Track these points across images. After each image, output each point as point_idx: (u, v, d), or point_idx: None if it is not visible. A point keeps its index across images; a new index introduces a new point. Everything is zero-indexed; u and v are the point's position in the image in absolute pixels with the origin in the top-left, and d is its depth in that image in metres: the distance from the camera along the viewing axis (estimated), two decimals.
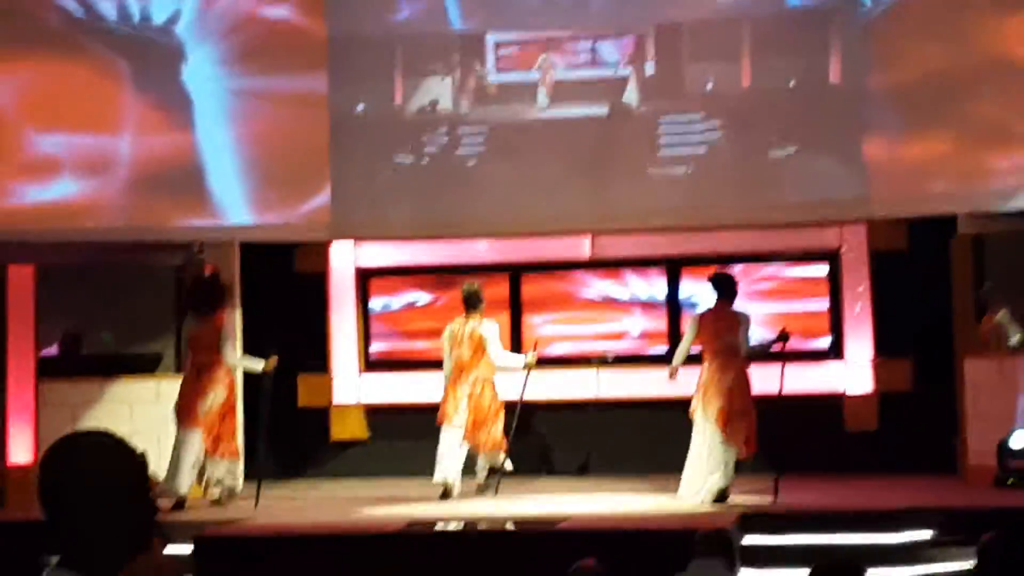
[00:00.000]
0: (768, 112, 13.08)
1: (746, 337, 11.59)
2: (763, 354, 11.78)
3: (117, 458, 3.26)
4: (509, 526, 10.33)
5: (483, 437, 12.44)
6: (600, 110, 13.42)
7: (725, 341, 11.61)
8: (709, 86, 13.34)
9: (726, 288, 11.82)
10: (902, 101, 12.62)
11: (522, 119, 13.52)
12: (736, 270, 13.82)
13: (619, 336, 14.31)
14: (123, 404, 13.10)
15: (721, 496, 11.37)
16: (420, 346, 14.49)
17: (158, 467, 12.75)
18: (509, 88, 13.60)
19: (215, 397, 12.22)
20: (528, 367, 12.52)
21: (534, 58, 13.62)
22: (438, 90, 13.60)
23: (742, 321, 11.62)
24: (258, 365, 12.31)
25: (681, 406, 13.49)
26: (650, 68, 13.48)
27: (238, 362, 12.40)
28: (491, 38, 13.70)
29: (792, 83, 13.10)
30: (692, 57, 13.39)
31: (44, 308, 12.93)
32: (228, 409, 12.33)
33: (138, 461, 3.29)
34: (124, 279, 13.53)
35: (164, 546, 4.26)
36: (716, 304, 11.81)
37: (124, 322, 13.55)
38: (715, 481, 11.38)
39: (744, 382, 11.56)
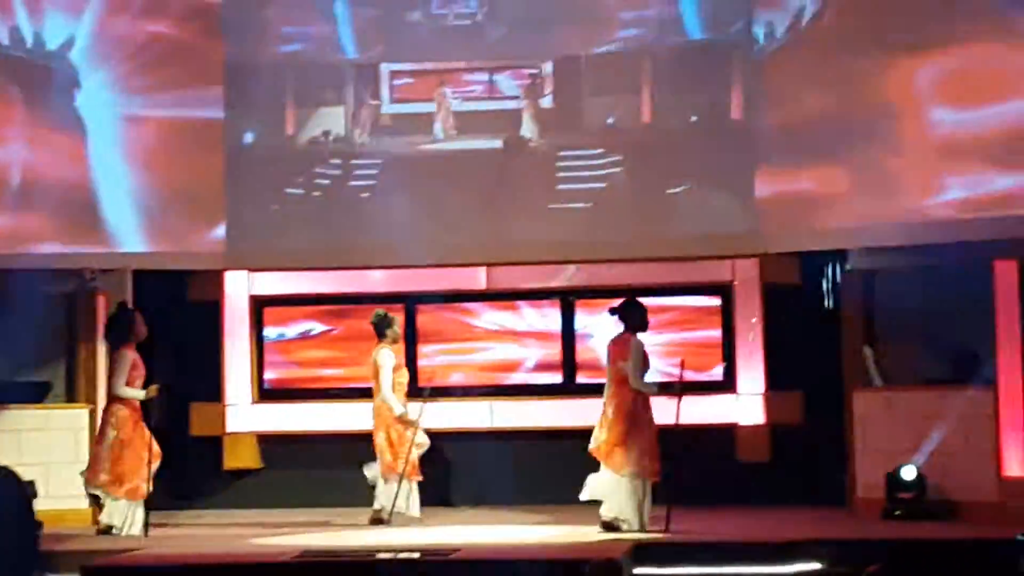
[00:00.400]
0: (667, 147, 13.21)
1: (635, 365, 11.57)
2: (659, 391, 11.77)
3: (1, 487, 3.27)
4: (403, 555, 10.30)
5: (401, 463, 12.45)
6: (497, 143, 13.49)
7: (617, 369, 11.65)
8: (610, 120, 13.44)
9: (628, 316, 11.78)
10: (793, 139, 12.80)
11: (417, 150, 13.56)
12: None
13: (514, 366, 14.33)
14: (11, 433, 12.92)
15: (608, 527, 11.43)
16: (314, 375, 14.46)
17: (46, 496, 12.59)
18: (404, 119, 13.64)
19: (109, 436, 12.06)
20: (413, 426, 12.52)
21: (430, 89, 13.67)
22: (331, 120, 13.60)
23: (632, 348, 11.61)
24: (140, 394, 12.08)
25: (577, 436, 13.57)
26: (548, 101, 13.57)
27: (120, 392, 12.13)
28: (385, 68, 13.72)
29: (693, 119, 13.24)
30: (591, 91, 13.49)
31: None
32: (122, 446, 12.07)
33: (22, 490, 3.29)
34: (14, 305, 13.35)
35: None
36: (619, 333, 11.81)
37: (13, 349, 13.36)
38: (603, 510, 11.48)
39: (630, 410, 11.55)
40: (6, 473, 3.35)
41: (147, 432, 12.00)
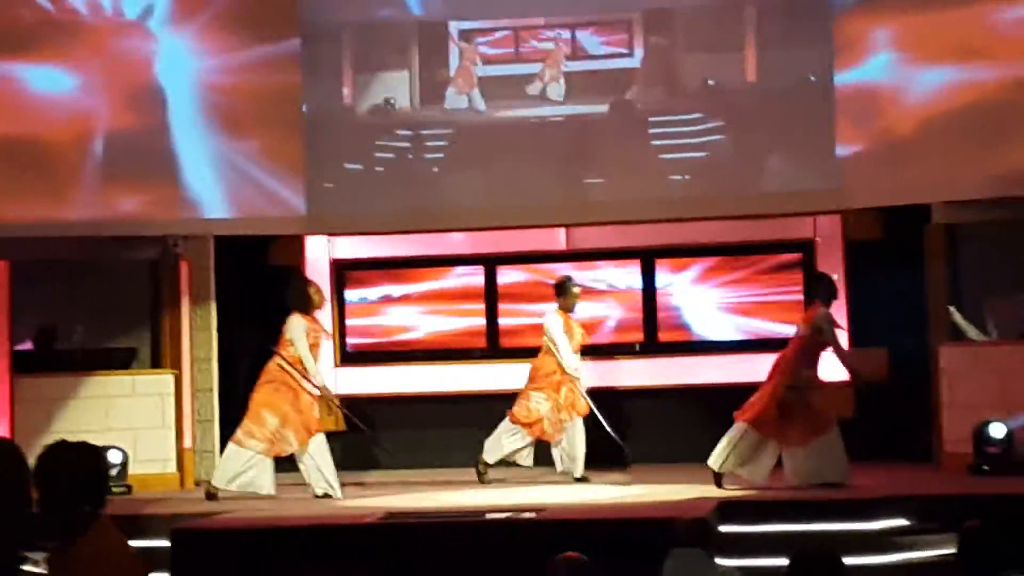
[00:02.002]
0: (767, 108, 12.99)
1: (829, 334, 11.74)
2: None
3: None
4: (488, 516, 10.33)
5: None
6: (586, 108, 13.28)
7: None
8: (710, 81, 13.18)
9: (816, 289, 12.08)
10: (872, 93, 12.64)
11: (491, 115, 13.40)
12: (712, 261, 13.96)
13: (595, 326, 14.23)
14: (99, 399, 13.05)
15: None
16: (396, 338, 14.48)
17: (135, 461, 12.73)
18: (481, 81, 13.48)
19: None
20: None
21: (507, 48, 13.51)
22: (396, 85, 13.49)
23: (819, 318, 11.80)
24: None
25: (656, 395, 13.55)
26: (638, 60, 13.34)
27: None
28: (455, 27, 13.57)
29: (812, 78, 12.87)
30: (686, 47, 13.27)
31: (18, 303, 12.86)
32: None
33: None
34: (99, 273, 13.48)
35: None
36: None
37: (99, 317, 13.49)
38: None
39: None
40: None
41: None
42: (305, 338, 12.11)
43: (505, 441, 12.67)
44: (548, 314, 12.81)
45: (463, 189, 13.35)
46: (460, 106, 13.47)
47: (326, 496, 11.94)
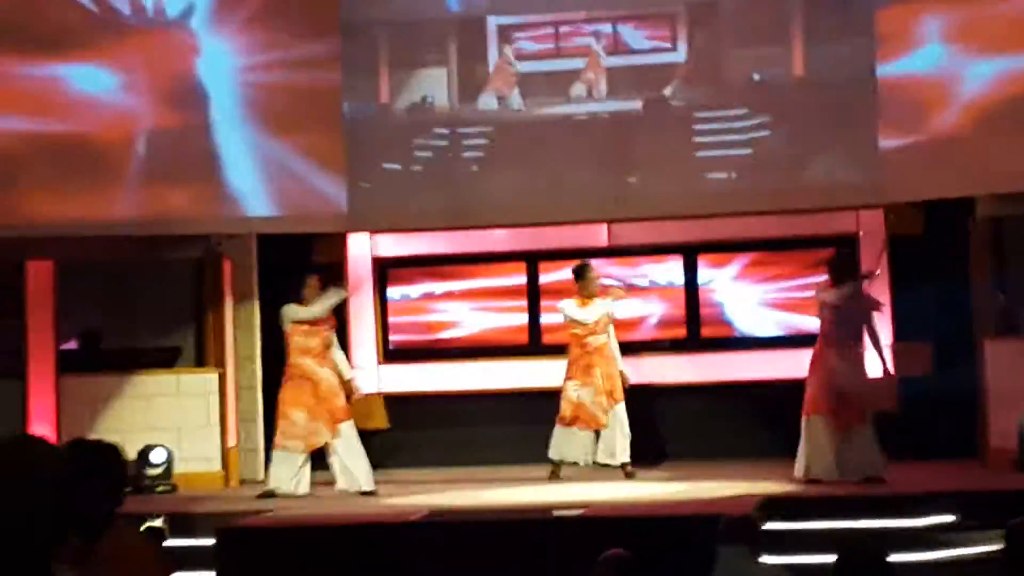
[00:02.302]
0: (806, 102, 12.90)
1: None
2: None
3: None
4: (532, 514, 10.32)
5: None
6: (630, 103, 13.22)
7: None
8: (755, 76, 13.09)
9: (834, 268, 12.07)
10: (915, 86, 12.56)
11: (530, 112, 13.35)
12: (754, 257, 13.90)
13: (639, 322, 14.20)
14: (143, 398, 13.12)
15: None
16: (438, 335, 14.49)
17: (179, 460, 12.78)
18: (521, 78, 13.44)
19: None
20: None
21: (547, 44, 13.47)
22: (433, 83, 13.45)
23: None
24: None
25: (699, 392, 13.52)
26: (682, 55, 13.27)
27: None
28: (494, 22, 13.53)
29: (853, 70, 12.67)
30: (731, 41, 13.19)
31: (63, 303, 12.95)
32: None
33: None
34: (142, 273, 13.54)
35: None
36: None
37: (143, 316, 13.55)
38: None
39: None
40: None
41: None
42: (300, 312, 12.34)
43: (562, 441, 12.67)
44: (562, 302, 12.84)
45: (504, 186, 13.32)
46: (495, 106, 13.45)
47: (364, 493, 11.98)
